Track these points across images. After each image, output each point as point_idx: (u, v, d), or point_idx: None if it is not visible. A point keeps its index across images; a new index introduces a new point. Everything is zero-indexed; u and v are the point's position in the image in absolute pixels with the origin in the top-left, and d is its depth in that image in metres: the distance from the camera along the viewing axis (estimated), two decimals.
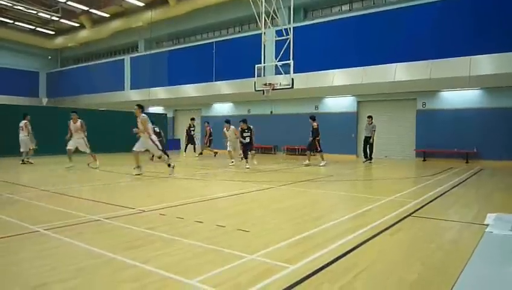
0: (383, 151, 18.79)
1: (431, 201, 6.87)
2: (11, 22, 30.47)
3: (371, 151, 16.11)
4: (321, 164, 13.89)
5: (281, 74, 15.94)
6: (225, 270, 3.24)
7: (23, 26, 31.58)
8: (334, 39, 18.70)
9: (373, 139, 16.07)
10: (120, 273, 3.22)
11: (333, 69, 18.36)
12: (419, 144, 17.74)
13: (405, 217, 5.45)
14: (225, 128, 15.01)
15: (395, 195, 7.43)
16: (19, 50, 33.67)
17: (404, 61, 16.63)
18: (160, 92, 25.28)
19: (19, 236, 4.37)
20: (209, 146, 18.75)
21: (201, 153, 18.83)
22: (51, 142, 16.07)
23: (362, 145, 16.61)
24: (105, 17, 28.65)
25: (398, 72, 16.65)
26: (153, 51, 27.74)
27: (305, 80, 18.19)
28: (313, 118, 14.41)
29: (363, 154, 16.45)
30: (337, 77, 18.32)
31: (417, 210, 6.01)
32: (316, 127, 14.12)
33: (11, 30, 31.50)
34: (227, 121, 15.48)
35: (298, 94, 19.64)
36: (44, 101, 34.82)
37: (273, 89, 15.80)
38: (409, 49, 16.69)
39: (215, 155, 18.64)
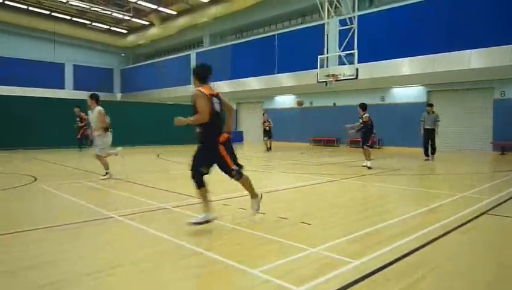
0: (456, 144, 17.61)
1: (509, 199, 6.33)
2: (89, 23, 32.87)
3: (434, 148, 13.38)
4: (365, 164, 11.10)
5: (345, 64, 15.52)
6: (287, 262, 3.27)
7: (99, 27, 33.92)
8: (401, 26, 17.78)
9: (437, 132, 13.33)
10: (186, 259, 3.38)
11: (401, 58, 17.48)
12: (497, 136, 16.37)
13: (479, 215, 5.08)
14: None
15: (468, 191, 6.95)
16: (96, 49, 36.25)
17: (480, 47, 15.37)
18: (224, 85, 25.84)
19: (97, 221, 4.76)
20: (269, 138, 18.00)
21: (269, 149, 17.78)
22: (127, 134, 17.21)
23: (423, 140, 13.54)
24: (173, 14, 29.82)
25: (474, 59, 15.42)
26: (217, 46, 28.40)
27: (371, 70, 17.53)
28: (363, 107, 11.45)
29: (423, 150, 13.63)
30: (406, 65, 17.42)
31: (493, 208, 5.58)
32: (367, 119, 11.25)
33: (89, 30, 33.98)
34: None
35: (363, 85, 19.02)
36: (118, 96, 37.23)
37: (336, 80, 15.45)
38: (486, 34, 15.36)
39: (268, 149, 17.69)
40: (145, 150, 17.65)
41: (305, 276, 2.96)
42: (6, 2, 28.21)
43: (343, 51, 15.37)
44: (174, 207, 5.45)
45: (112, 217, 4.89)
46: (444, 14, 16.59)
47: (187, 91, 28.92)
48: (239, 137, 26.89)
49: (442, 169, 11.42)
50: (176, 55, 31.79)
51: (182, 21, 29.88)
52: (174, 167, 11.49)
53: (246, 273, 3.03)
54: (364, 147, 11.25)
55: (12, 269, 3.13)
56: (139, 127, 20.86)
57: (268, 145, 17.71)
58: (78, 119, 17.11)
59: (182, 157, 13.93)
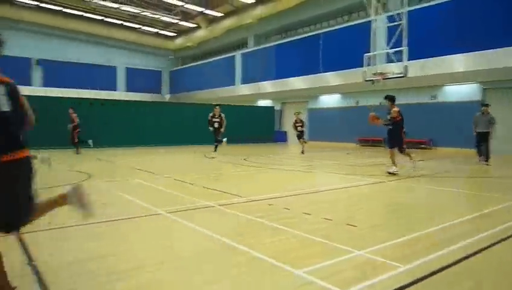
0: None
1: None
2: (140, 27, 34.24)
3: (488, 151, 12.28)
4: (391, 170, 9.27)
5: (393, 62, 15.05)
6: (332, 264, 3.25)
7: (149, 30, 35.22)
8: (454, 20, 16.94)
9: (491, 137, 12.25)
10: (232, 257, 3.45)
11: (454, 54, 16.67)
12: None
13: None
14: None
15: None
16: (146, 52, 37.68)
17: None
18: (268, 86, 25.93)
19: (146, 217, 4.97)
20: (302, 138, 16.71)
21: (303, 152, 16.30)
22: (175, 134, 17.80)
23: (475, 141, 12.61)
24: (219, 16, 30.35)
25: None
26: (261, 46, 28.56)
27: (421, 67, 16.87)
28: (391, 98, 9.73)
29: (476, 151, 12.73)
30: (458, 62, 16.57)
31: None
32: (396, 115, 9.50)
33: (140, 34, 35.39)
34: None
35: (412, 83, 18.34)
36: (167, 97, 38.46)
37: (384, 79, 15.03)
38: None
39: (303, 152, 16.19)
40: (193, 149, 18.10)
41: (350, 279, 2.93)
42: (64, 10, 30.05)
43: (391, 48, 14.92)
44: (219, 205, 5.57)
45: (160, 213, 5.09)
46: (500, 6, 15.62)
47: (232, 92, 29.37)
48: (283, 137, 26.90)
49: (497, 172, 10.77)
50: (221, 57, 32.34)
51: (228, 23, 30.32)
52: (219, 166, 11.70)
53: (290, 274, 3.04)
54: (403, 149, 9.57)
55: (71, 260, 3.36)
56: (186, 127, 21.45)
57: (303, 148, 16.31)
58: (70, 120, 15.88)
59: (228, 157, 14.16)
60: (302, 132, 16.79)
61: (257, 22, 28.72)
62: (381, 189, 7.54)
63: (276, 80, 25.31)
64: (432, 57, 16.81)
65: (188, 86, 34.88)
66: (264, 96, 28.38)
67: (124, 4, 28.17)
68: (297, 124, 16.83)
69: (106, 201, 6.11)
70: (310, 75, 22.79)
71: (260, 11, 27.23)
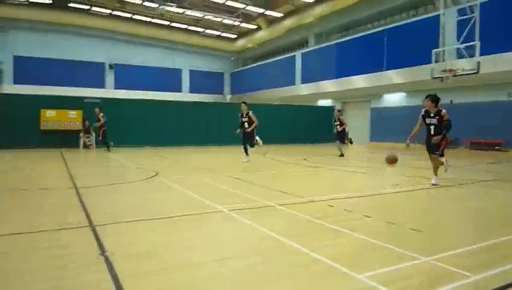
0: None
1: None
2: (202, 30, 35.38)
3: None
4: (433, 182, 7.65)
5: (464, 57, 14.10)
6: (396, 270, 3.12)
7: (211, 33, 36.26)
8: None
9: None
10: (291, 257, 3.45)
11: None
12: None
13: None
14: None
15: None
16: (209, 54, 38.85)
17: None
18: (329, 85, 25.51)
19: (207, 214, 5.12)
20: (340, 142, 14.97)
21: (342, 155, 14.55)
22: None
23: None
24: (279, 17, 30.43)
25: None
26: (322, 45, 28.18)
27: (495, 63, 15.62)
28: (435, 100, 7.66)
29: None
30: None
31: None
32: (447, 117, 7.56)
33: (202, 37, 36.57)
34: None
35: (485, 80, 17.04)
36: (228, 97, 39.35)
37: (453, 76, 14.15)
38: None
39: (341, 155, 14.52)
40: (252, 149, 18.31)
41: (415, 286, 2.80)
42: (133, 17, 31.92)
43: (462, 43, 14.00)
44: (279, 205, 5.59)
45: (222, 211, 5.22)
46: None
47: (292, 91, 29.31)
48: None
49: None
50: (281, 57, 32.40)
51: (288, 23, 30.30)
52: (279, 165, 11.73)
53: (351, 278, 2.97)
54: (438, 154, 7.63)
55: (138, 253, 3.56)
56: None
57: (341, 151, 14.63)
58: (96, 119, 16.72)
59: (287, 157, 14.16)
60: (341, 132, 14.73)
61: (317, 20, 28.39)
62: (452, 193, 7.10)
63: (337, 79, 24.83)
64: (507, 52, 15.50)
65: (249, 86, 35.39)
66: (324, 95, 27.97)
67: (188, 9, 29.29)
68: (336, 123, 14.84)
69: (170, 197, 6.39)
70: (372, 73, 22.08)
71: (320, 9, 26.88)
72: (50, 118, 17.41)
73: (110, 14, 31.29)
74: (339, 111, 15.33)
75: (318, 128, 25.07)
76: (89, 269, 3.13)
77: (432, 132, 7.62)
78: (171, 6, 28.53)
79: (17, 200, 6.08)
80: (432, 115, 7.66)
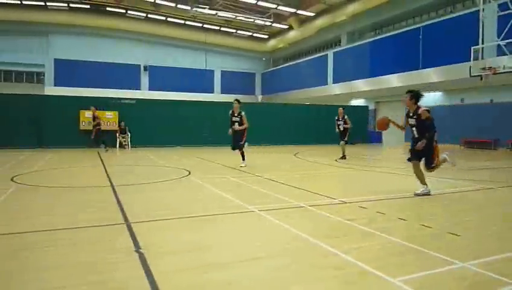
0: None
1: None
2: (234, 31, 35.67)
3: None
4: (418, 192, 6.54)
5: (505, 54, 13.48)
6: (431, 275, 3.03)
7: (243, 34, 36.49)
8: None
9: None
10: (322, 259, 3.42)
11: None
12: None
13: None
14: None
15: None
16: (240, 54, 39.12)
17: None
18: (362, 84, 25.07)
19: (239, 214, 5.15)
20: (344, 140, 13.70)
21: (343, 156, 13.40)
22: (266, 134, 18.17)
23: None
24: (311, 16, 30.21)
25: None
26: (354, 44, 27.73)
27: None
28: (414, 96, 6.60)
29: None
30: None
31: None
32: (423, 115, 6.42)
33: (234, 38, 36.88)
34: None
35: None
36: (259, 98, 39.47)
37: (494, 74, 13.55)
38: None
39: (343, 156, 13.40)
40: (283, 149, 18.31)
41: None
42: (167, 19, 32.64)
43: (502, 39, 13.38)
44: (309, 206, 5.55)
45: (253, 211, 5.24)
46: None
47: (324, 91, 29.02)
48: (378, 138, 25.77)
49: None
50: (313, 56, 32.14)
51: (320, 22, 30.03)
52: (311, 166, 11.65)
53: (384, 281, 2.91)
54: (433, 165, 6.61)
55: (171, 250, 3.64)
56: (276, 127, 21.77)
57: (343, 152, 13.41)
58: (93, 118, 16.88)
59: (318, 157, 14.04)
60: (344, 132, 13.55)
61: (350, 19, 27.96)
62: (491, 196, 6.81)
63: (370, 78, 24.36)
64: None
65: (280, 86, 35.35)
66: (357, 95, 27.51)
67: (221, 10, 29.62)
68: (338, 122, 13.75)
69: (202, 197, 6.48)
70: (407, 72, 21.51)
71: (353, 8, 26.46)
72: (89, 118, 18.07)
73: (145, 17, 32.13)
74: (343, 109, 13.97)
75: (352, 128, 24.65)
76: (124, 265, 3.23)
77: (416, 135, 6.55)
78: (204, 8, 28.95)
79: (59, 197, 6.35)
80: (411, 114, 6.60)
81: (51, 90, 29.14)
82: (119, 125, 18.65)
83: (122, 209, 5.25)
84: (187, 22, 33.33)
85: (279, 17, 31.56)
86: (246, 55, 39.56)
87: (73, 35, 32.13)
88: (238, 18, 31.29)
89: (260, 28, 35.40)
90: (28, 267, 3.19)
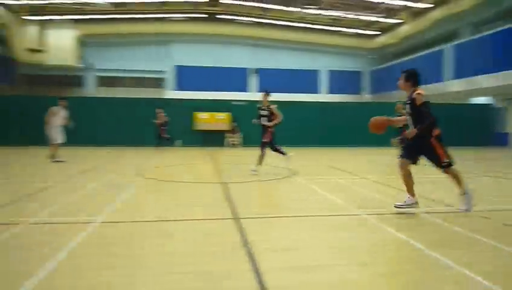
0: None
1: None
2: (340, 29, 34.96)
3: None
4: (398, 204, 5.27)
5: None
6: None
7: (349, 32, 35.55)
8: None
9: None
10: (437, 271, 3.17)
11: None
12: None
13: None
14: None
15: None
16: (346, 53, 38.15)
17: None
18: (485, 80, 22.42)
19: (344, 217, 5.05)
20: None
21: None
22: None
23: None
24: (426, 8, 28.08)
25: None
26: (477, 36, 24.95)
27: None
28: (410, 76, 5.34)
29: None
30: None
31: None
32: (418, 100, 5.11)
33: (339, 37, 36.13)
34: None
35: None
36: (367, 97, 38.02)
37: None
38: None
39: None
40: (386, 151, 17.34)
41: None
42: (274, 22, 33.45)
43: None
44: (424, 213, 5.19)
45: (360, 215, 5.10)
46: None
47: (440, 89, 26.71)
48: (503, 140, 22.82)
49: None
50: (427, 51, 29.81)
51: (436, 13, 27.70)
52: (422, 169, 10.84)
53: None
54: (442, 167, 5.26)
55: (277, 247, 3.74)
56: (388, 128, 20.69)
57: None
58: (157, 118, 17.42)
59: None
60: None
61: (472, 8, 25.24)
62: None
63: (497, 73, 21.65)
64: None
65: (390, 84, 33.50)
66: (479, 92, 24.70)
67: (328, 10, 29.32)
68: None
69: (308, 197, 6.52)
70: None
71: None
72: (202, 119, 19.50)
73: (254, 21, 33.45)
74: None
75: (471, 129, 22.32)
76: (232, 259, 3.43)
77: (413, 126, 5.18)
78: (311, 8, 28.98)
79: (177, 191, 7.01)
80: (407, 100, 5.34)
81: (171, 94, 32.19)
82: (230, 126, 19.76)
83: (232, 205, 5.57)
84: (293, 24, 33.74)
85: (389, 12, 29.99)
86: (352, 54, 38.45)
87: (190, 43, 35.08)
88: (345, 16, 30.62)
89: (368, 25, 34.08)
90: (151, 252, 3.59)
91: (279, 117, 9.22)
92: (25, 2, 28.18)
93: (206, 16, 32.77)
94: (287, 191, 7.30)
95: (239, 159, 13.90)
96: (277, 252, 3.61)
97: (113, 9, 30.72)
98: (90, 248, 3.67)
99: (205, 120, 19.81)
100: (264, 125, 9.26)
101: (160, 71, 35.67)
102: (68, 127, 11.71)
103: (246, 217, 4.86)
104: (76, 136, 18.45)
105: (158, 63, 35.31)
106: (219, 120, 19.90)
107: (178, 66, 34.93)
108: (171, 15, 32.76)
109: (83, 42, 35.02)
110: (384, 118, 5.73)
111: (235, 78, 35.19)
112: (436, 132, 5.05)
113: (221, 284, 2.89)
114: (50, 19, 32.69)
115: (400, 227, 4.45)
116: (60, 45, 33.48)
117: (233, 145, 19.54)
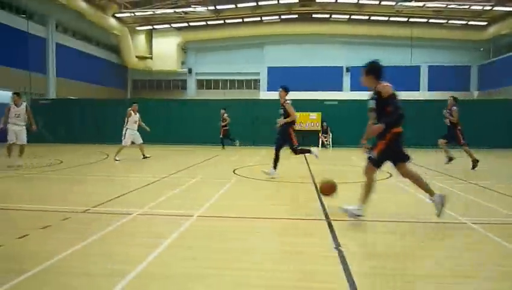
0: None
1: None
2: (445, 21, 32.28)
3: None
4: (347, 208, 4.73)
5: None
6: None
7: (455, 23, 32.63)
8: None
9: None
10: None
11: None
12: None
13: None
14: None
15: None
16: (450, 46, 35.06)
17: None
18: None
19: (448, 224, 4.65)
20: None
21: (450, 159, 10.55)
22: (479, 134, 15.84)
23: None
24: None
25: None
26: None
27: None
28: (372, 69, 5.09)
29: None
30: None
31: None
32: (384, 92, 4.76)
33: (443, 29, 33.37)
34: None
35: None
36: (475, 94, 34.53)
37: None
38: None
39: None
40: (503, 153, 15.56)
41: None
42: (370, 18, 32.21)
43: None
44: None
45: (464, 223, 4.67)
46: None
47: None
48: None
49: None
50: None
51: None
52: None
53: None
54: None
55: (370, 252, 3.61)
56: (490, 128, 18.55)
57: (449, 154, 10.47)
58: (221, 119, 17.49)
59: None
60: (452, 129, 10.37)
61: None
62: None
63: None
64: None
65: (506, 80, 30.00)
66: None
67: (429, 1, 27.32)
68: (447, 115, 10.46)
69: (406, 201, 6.17)
70: None
71: None
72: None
73: (349, 19, 32.59)
74: (454, 100, 10.54)
75: None
76: (323, 260, 3.40)
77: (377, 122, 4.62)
78: (410, 1, 27.28)
79: (266, 189, 7.17)
80: (372, 95, 4.86)
81: (264, 94, 32.96)
82: (321, 126, 19.54)
83: (323, 206, 5.51)
84: (391, 18, 32.10)
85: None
86: (458, 47, 35.23)
87: (283, 44, 35.53)
88: (449, 6, 28.18)
89: (476, 15, 30.92)
90: (231, 248, 3.72)
91: (293, 116, 8.62)
92: (136, 14, 31.21)
93: (300, 16, 32.84)
94: (383, 193, 6.96)
95: (331, 160, 13.70)
96: (371, 257, 3.50)
97: (212, 15, 32.48)
98: (188, 240, 3.95)
99: (297, 120, 19.91)
100: (280, 123, 8.61)
101: (255, 73, 36.81)
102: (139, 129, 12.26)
103: (339, 219, 4.76)
104: (178, 136, 19.98)
105: (253, 65, 36.49)
106: (311, 120, 19.83)
107: (270, 67, 35.64)
108: (265, 18, 33.56)
109: (185, 48, 37.71)
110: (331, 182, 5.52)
111: (328, 77, 34.69)
112: (397, 129, 4.46)
113: (312, 285, 2.88)
114: (156, 28, 35.81)
115: (509, 238, 3.97)
116: (165, 51, 36.52)
117: (325, 146, 19.30)
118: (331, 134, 19.29)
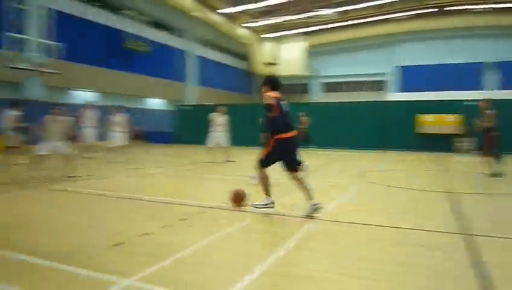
0: None
1: None
2: None
3: None
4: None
5: None
6: None
7: None
8: None
9: None
10: None
11: None
12: None
13: None
14: None
15: None
16: None
17: None
18: None
19: None
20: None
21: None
22: None
23: None
24: None
25: None
26: None
27: None
28: (267, 82, 5.64)
29: None
30: None
31: None
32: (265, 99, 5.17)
33: None
34: None
35: None
36: None
37: None
38: None
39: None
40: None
41: None
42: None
43: None
44: None
45: None
46: None
47: None
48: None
49: None
50: None
51: None
52: None
53: None
54: None
55: None
56: None
57: (493, 168, 8.98)
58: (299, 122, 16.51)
59: None
60: (488, 135, 9.17)
61: None
62: None
63: None
64: None
65: None
66: None
67: None
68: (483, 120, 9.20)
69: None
70: None
71: None
72: (426, 122, 18.04)
73: (493, 8, 28.73)
74: (488, 102, 9.39)
75: None
76: (456, 278, 3.02)
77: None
78: None
79: (391, 196, 6.72)
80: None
81: (391, 96, 31.15)
82: (462, 129, 17.40)
83: (460, 218, 4.93)
84: None
85: None
86: None
87: (414, 41, 33.12)
88: None
89: None
90: (361, 255, 3.54)
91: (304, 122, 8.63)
92: (265, 22, 32.73)
93: (436, 10, 30.19)
94: None
95: (472, 167, 12.20)
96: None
97: (337, 18, 32.16)
98: (311, 242, 3.94)
99: (431, 122, 18.20)
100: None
101: (381, 73, 35.10)
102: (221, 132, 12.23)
103: (479, 235, 4.19)
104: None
105: (379, 65, 34.93)
106: (448, 122, 17.91)
107: (401, 66, 33.54)
108: (394, 15, 31.76)
109: (310, 52, 38.00)
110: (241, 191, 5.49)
111: (467, 75, 31.08)
112: (282, 135, 4.91)
113: None
114: (283, 35, 36.99)
115: None
116: (291, 56, 37.43)
117: (466, 151, 17.16)
118: (475, 138, 16.92)
